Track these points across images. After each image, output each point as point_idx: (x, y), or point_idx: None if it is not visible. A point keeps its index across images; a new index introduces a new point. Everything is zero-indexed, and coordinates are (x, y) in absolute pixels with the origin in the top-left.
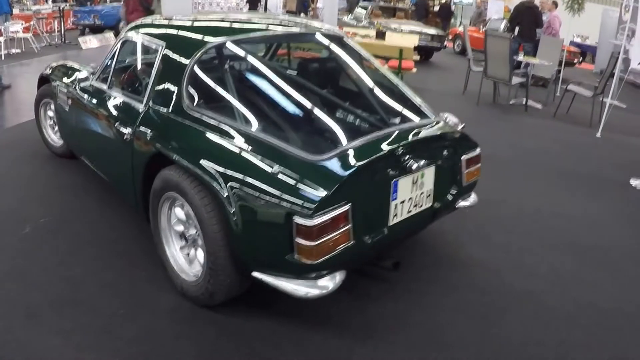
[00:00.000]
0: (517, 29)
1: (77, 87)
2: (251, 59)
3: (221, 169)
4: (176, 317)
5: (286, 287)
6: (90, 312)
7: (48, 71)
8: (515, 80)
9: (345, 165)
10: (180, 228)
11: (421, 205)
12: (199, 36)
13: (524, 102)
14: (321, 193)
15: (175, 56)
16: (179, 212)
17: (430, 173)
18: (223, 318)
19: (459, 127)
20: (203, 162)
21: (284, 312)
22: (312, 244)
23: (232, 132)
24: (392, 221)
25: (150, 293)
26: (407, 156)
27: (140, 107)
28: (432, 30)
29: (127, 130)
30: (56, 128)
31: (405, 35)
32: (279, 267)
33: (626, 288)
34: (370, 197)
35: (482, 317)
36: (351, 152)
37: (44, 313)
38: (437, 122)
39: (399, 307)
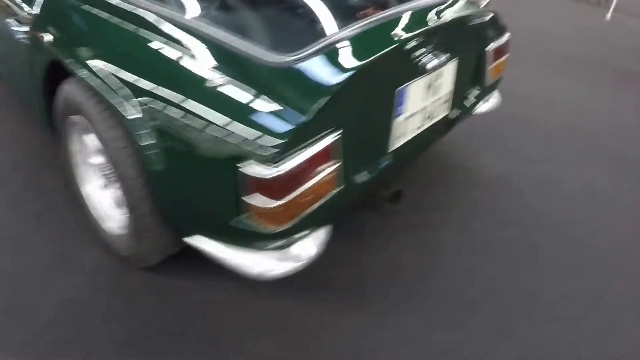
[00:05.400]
0: None
1: None
2: None
3: (130, 78)
4: (105, 281)
5: (233, 261)
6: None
7: None
8: None
9: (334, 68)
10: (99, 160)
11: (435, 117)
12: None
13: None
14: (295, 119)
15: None
16: (91, 140)
17: (449, 71)
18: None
19: (483, 4)
20: (100, 66)
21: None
22: (276, 203)
23: (149, 18)
24: (396, 144)
25: (75, 249)
26: (422, 50)
27: None
28: None
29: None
30: None
31: None
32: (223, 234)
33: None
34: (367, 117)
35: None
36: (343, 47)
37: None
38: None
39: (406, 257)
